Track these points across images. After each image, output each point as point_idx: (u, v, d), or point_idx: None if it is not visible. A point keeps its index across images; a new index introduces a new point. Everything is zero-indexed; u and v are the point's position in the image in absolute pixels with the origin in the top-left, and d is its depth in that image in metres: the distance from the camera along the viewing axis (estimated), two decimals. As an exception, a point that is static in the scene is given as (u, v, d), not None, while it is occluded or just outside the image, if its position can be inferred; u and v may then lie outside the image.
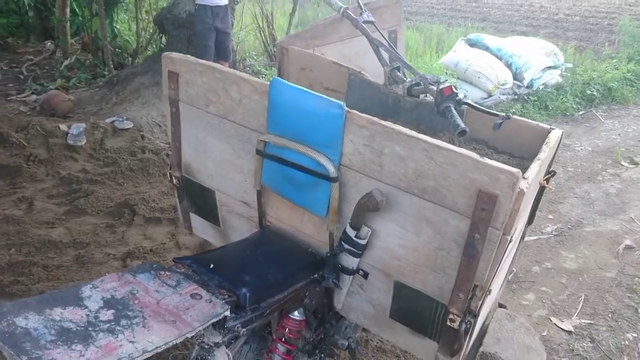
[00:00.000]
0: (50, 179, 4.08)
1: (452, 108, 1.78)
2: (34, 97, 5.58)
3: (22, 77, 6.71)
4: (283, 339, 1.73)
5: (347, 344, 2.20)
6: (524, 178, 1.41)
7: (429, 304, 1.65)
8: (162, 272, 1.39)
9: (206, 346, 1.39)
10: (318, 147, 1.60)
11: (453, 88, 1.82)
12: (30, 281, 3.03)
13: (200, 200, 2.12)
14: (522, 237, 2.07)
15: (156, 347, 1.13)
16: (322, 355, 2.13)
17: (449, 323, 1.62)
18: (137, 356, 1.08)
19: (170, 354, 2.06)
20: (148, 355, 1.10)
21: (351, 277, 1.80)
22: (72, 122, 4.66)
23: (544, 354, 2.26)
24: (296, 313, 1.72)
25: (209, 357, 1.42)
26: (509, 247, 1.55)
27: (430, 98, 2.02)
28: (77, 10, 7.94)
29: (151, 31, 7.18)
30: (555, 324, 3.10)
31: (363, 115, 1.52)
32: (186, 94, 1.92)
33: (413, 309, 1.71)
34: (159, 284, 1.36)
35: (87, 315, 1.17)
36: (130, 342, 1.12)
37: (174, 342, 1.17)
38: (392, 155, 1.50)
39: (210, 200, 2.08)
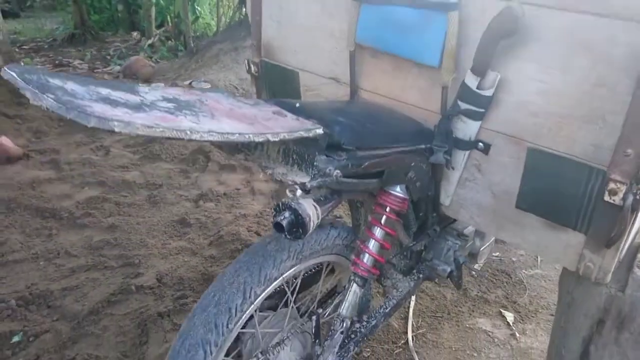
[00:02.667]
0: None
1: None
2: (118, 67, 5.65)
3: (108, 57, 6.90)
4: (382, 221, 1.38)
5: (449, 269, 1.82)
6: None
7: (577, 174, 1.25)
8: (238, 94, 1.09)
9: (292, 188, 1.09)
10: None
11: None
12: (101, 215, 2.89)
13: (281, 87, 1.84)
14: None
15: (226, 133, 0.83)
16: (420, 276, 1.75)
17: (607, 197, 1.20)
18: (200, 132, 0.78)
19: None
20: (215, 138, 0.80)
21: (467, 154, 1.43)
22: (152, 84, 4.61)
23: None
24: (398, 189, 1.37)
25: (293, 204, 1.10)
26: None
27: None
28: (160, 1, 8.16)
29: (231, 14, 7.17)
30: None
31: None
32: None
33: (552, 188, 1.31)
34: (234, 100, 1.07)
35: (141, 100, 0.90)
36: (192, 122, 0.83)
37: (251, 137, 0.87)
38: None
39: (293, 86, 1.79)
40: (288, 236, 1.12)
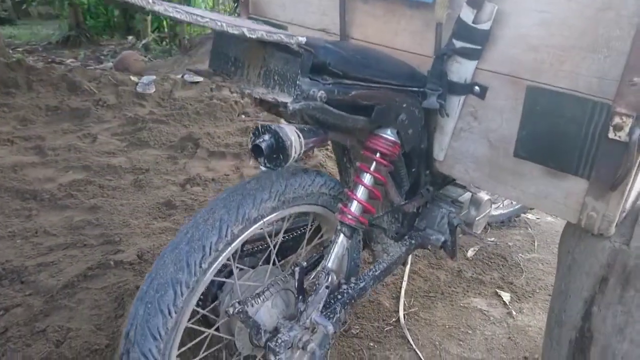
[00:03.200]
0: (117, 120, 3.92)
1: None
2: (110, 64, 5.59)
3: (102, 57, 6.84)
4: (371, 167, 1.29)
5: (442, 239, 1.73)
6: None
7: (580, 111, 1.17)
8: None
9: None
10: None
11: None
12: (84, 197, 2.79)
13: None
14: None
15: (195, 15, 0.74)
16: (412, 242, 1.66)
17: (611, 134, 1.13)
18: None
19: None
20: (182, 17, 0.72)
21: (462, 100, 1.35)
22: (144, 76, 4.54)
23: None
24: (388, 131, 1.29)
25: (274, 126, 1.02)
26: None
27: None
28: None
29: (228, 15, 7.14)
30: None
31: None
32: None
33: (552, 130, 1.23)
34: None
35: None
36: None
37: (224, 26, 0.78)
38: None
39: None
40: (267, 164, 1.03)
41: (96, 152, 3.37)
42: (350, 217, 1.28)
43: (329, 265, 1.29)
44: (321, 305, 1.31)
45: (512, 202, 2.73)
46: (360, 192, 1.29)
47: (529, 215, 2.84)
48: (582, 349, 1.43)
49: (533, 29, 1.18)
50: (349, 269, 1.57)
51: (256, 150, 1.01)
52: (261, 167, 1.05)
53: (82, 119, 3.94)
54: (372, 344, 1.85)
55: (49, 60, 6.27)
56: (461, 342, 1.87)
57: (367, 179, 1.29)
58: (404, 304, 2.06)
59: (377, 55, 1.26)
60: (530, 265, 2.36)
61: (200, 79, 4.56)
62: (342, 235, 1.29)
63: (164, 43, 7.00)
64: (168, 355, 1.10)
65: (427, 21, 1.34)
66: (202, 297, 1.36)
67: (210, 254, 1.08)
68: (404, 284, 2.17)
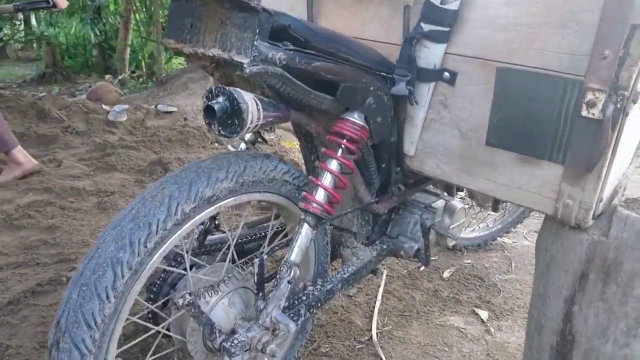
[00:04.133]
0: (85, 146, 3.81)
1: None
2: (83, 96, 5.52)
3: (76, 92, 6.78)
4: (338, 152, 1.22)
5: (415, 247, 1.65)
6: None
7: (552, 91, 1.13)
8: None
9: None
10: None
11: None
12: (42, 217, 2.65)
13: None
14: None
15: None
16: (384, 247, 1.57)
17: (584, 112, 1.09)
18: None
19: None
20: None
21: (431, 87, 1.31)
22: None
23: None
24: (356, 115, 1.22)
25: (230, 89, 0.94)
26: None
27: None
28: (134, 41, 8.18)
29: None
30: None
31: None
32: None
33: (524, 113, 1.19)
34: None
35: None
36: None
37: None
38: None
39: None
40: (221, 130, 0.96)
41: (60, 175, 3.24)
42: (315, 205, 1.20)
43: (292, 258, 1.19)
44: (283, 303, 1.20)
45: (488, 225, 2.68)
46: (326, 179, 1.22)
47: (506, 239, 2.78)
48: (563, 354, 1.33)
49: (501, 8, 1.16)
50: (316, 272, 1.47)
51: (209, 114, 0.93)
52: (214, 132, 0.97)
53: (48, 145, 3.82)
54: (342, 363, 1.72)
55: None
56: (437, 360, 1.75)
57: (333, 165, 1.22)
58: (378, 323, 1.94)
59: (345, 36, 1.21)
60: (508, 286, 2.28)
61: (174, 108, 4.50)
62: (305, 226, 1.20)
63: (141, 80, 6.98)
64: (106, 349, 0.97)
65: (395, 7, 1.31)
66: (152, 294, 1.24)
67: (157, 232, 0.98)
68: (378, 303, 2.06)
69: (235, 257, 1.30)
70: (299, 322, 1.27)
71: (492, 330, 1.91)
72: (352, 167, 1.26)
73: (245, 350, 1.16)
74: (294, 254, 1.20)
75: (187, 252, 1.14)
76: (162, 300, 1.22)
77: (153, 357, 1.19)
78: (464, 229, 2.61)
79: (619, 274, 1.21)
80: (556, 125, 1.15)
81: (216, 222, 1.43)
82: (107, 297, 0.94)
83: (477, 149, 1.29)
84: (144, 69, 7.96)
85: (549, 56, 1.11)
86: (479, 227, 2.67)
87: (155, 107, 4.55)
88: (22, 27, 10.44)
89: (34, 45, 10.88)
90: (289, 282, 1.19)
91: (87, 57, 9.47)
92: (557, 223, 1.32)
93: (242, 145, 1.48)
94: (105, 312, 0.94)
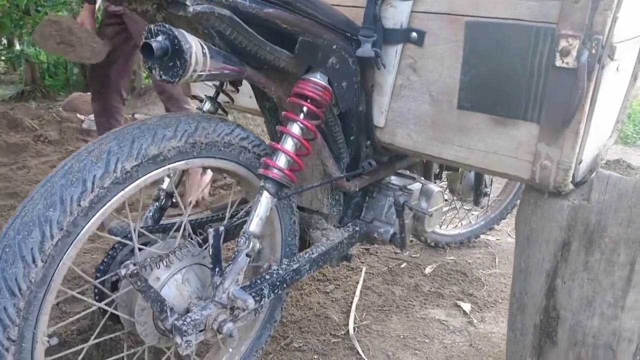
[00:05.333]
0: (57, 154, 3.69)
1: None
2: (60, 108, 5.41)
3: (52, 106, 6.66)
4: (299, 113, 1.14)
5: (391, 231, 1.56)
6: None
7: (524, 42, 1.07)
8: None
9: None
10: None
11: None
12: (5, 221, 2.51)
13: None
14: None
15: None
16: (356, 230, 1.48)
17: (558, 62, 1.02)
18: None
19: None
20: None
21: (399, 50, 1.24)
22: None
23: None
24: (318, 75, 1.15)
25: (172, 27, 0.86)
26: None
27: None
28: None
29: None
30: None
31: None
32: None
33: (496, 70, 1.12)
34: None
35: None
36: None
37: None
38: None
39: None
40: (162, 74, 0.87)
41: (28, 181, 3.11)
42: (275, 170, 1.11)
43: (250, 229, 1.10)
44: (241, 278, 1.10)
45: (470, 222, 2.60)
46: (287, 143, 1.13)
47: (489, 237, 2.70)
48: (548, 332, 1.24)
49: (467, -43, 1.10)
50: (283, 254, 1.37)
51: (147, 54, 0.85)
52: (155, 76, 0.88)
53: (19, 154, 3.69)
54: (316, 357, 1.61)
55: (-2, 110, 6.04)
56: (417, 352, 1.64)
57: (294, 128, 1.13)
58: (355, 318, 1.83)
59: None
60: (492, 280, 2.19)
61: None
62: (265, 194, 1.11)
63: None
64: (34, 322, 0.86)
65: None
66: (99, 272, 1.13)
67: (92, 190, 0.88)
68: (356, 299, 1.96)
69: (192, 234, 1.20)
70: (262, 302, 1.17)
71: (475, 321, 1.81)
72: (316, 131, 1.18)
73: (200, 331, 1.06)
74: (253, 224, 1.10)
75: (132, 222, 1.04)
76: (108, 276, 1.11)
77: (97, 340, 1.08)
78: (444, 223, 2.54)
79: (602, 240, 1.13)
80: (530, 80, 1.08)
81: (173, 200, 1.34)
82: (34, 260, 0.83)
83: (450, 113, 1.22)
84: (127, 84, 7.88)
85: (519, 4, 1.05)
86: (462, 224, 2.59)
87: (132, 115, 4.46)
88: (3, 48, 10.35)
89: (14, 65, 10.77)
90: (247, 255, 1.09)
91: (68, 76, 9.37)
92: (536, 193, 1.24)
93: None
94: (31, 278, 0.83)
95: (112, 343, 1.50)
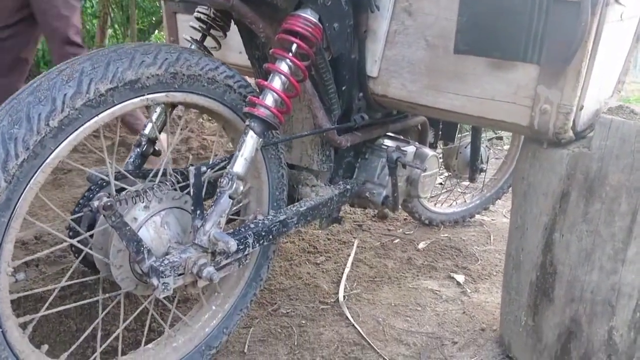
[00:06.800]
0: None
1: None
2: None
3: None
4: (288, 50, 1.08)
5: (384, 193, 1.51)
6: None
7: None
8: None
9: None
10: None
11: None
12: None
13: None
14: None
15: None
16: (347, 188, 1.43)
17: (559, -6, 0.96)
18: None
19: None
20: None
21: (394, -9, 1.18)
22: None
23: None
24: (308, 11, 1.09)
25: None
26: None
27: None
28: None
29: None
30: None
31: None
32: None
33: (494, 8, 1.07)
34: None
35: None
36: None
37: None
38: None
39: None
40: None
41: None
42: (261, 108, 1.05)
43: (234, 169, 1.04)
44: (224, 221, 1.05)
45: (465, 201, 2.55)
46: (275, 82, 1.07)
47: (485, 217, 2.65)
48: (545, 289, 1.19)
49: None
50: (270, 208, 1.31)
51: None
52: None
53: None
54: (304, 322, 1.55)
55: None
56: (408, 318, 1.59)
57: (283, 66, 1.08)
58: (346, 287, 1.78)
59: None
60: (487, 255, 2.14)
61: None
62: (250, 133, 1.05)
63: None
64: (-3, 250, 0.80)
65: None
66: (72, 213, 1.08)
67: (62, 109, 0.82)
68: (347, 270, 1.90)
69: (176, 176, 1.14)
70: (246, 251, 1.11)
71: (469, 291, 1.76)
72: (305, 71, 1.12)
73: (179, 274, 1.00)
74: (237, 165, 1.04)
75: (107, 155, 0.98)
76: (85, 212, 1.05)
77: (69, 282, 1.02)
78: (439, 201, 2.49)
79: (603, 188, 1.08)
80: (530, 17, 1.03)
81: (156, 148, 1.28)
82: (-5, 179, 0.77)
83: (446, 58, 1.17)
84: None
85: None
86: (457, 203, 2.54)
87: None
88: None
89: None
90: (230, 196, 1.04)
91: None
92: (534, 145, 1.19)
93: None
94: (-7, 198, 0.77)
95: (88, 290, 1.44)
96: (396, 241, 2.24)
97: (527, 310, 1.24)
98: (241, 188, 1.06)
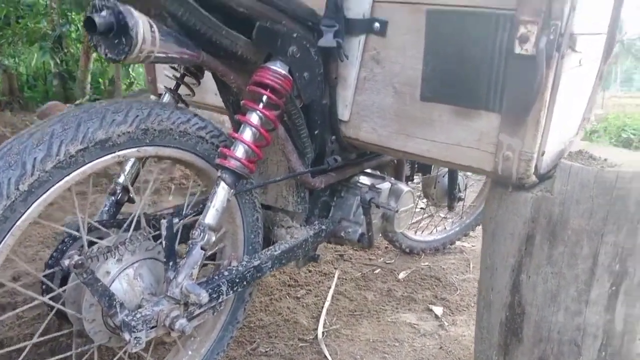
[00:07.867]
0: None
1: None
2: (35, 117, 5.32)
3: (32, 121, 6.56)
4: (258, 102, 1.11)
5: (359, 231, 1.54)
6: None
7: (483, 30, 1.06)
8: None
9: None
10: None
11: None
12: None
13: None
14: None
15: None
16: (323, 228, 1.45)
17: (518, 49, 1.02)
18: None
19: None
20: None
21: (362, 41, 1.23)
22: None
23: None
24: (278, 64, 1.12)
25: (117, 4, 0.83)
26: None
27: None
28: (94, 65, 8.02)
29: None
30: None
31: None
32: None
33: (457, 59, 1.11)
34: None
35: None
36: None
37: None
38: None
39: None
40: (108, 53, 0.84)
41: (-5, 188, 3.03)
42: (232, 160, 1.07)
43: (206, 220, 1.06)
44: (196, 272, 1.06)
45: (445, 228, 2.58)
46: (245, 133, 1.10)
47: (465, 243, 2.68)
48: (514, 329, 1.22)
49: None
50: (245, 252, 1.33)
51: (90, 27, 0.81)
52: (101, 53, 0.85)
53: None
54: (282, 361, 1.56)
55: (-29, 119, 5.92)
56: (386, 355, 1.60)
57: (253, 118, 1.11)
58: (325, 322, 1.79)
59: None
60: (466, 285, 2.16)
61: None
62: (222, 184, 1.07)
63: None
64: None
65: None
66: (48, 267, 1.08)
67: (32, 173, 0.84)
68: (327, 304, 1.92)
69: (148, 228, 1.15)
70: (219, 300, 1.13)
71: (446, 324, 1.78)
72: (275, 121, 1.15)
73: (152, 327, 1.01)
74: (209, 216, 1.06)
75: (80, 210, 1.00)
76: (57, 270, 1.06)
77: (42, 338, 1.03)
78: (419, 229, 2.52)
79: (565, 232, 1.11)
80: (490, 69, 1.07)
81: (130, 195, 1.29)
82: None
83: (413, 105, 1.20)
84: (105, 95, 7.79)
85: (480, -11, 1.05)
86: (437, 230, 2.57)
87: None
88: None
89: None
90: (202, 247, 1.05)
91: (48, 88, 9.26)
92: (501, 188, 1.22)
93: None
94: (-40, 264, 0.78)
95: (62, 343, 1.44)
96: (377, 271, 2.26)
97: (498, 350, 1.26)
98: (213, 239, 1.07)
